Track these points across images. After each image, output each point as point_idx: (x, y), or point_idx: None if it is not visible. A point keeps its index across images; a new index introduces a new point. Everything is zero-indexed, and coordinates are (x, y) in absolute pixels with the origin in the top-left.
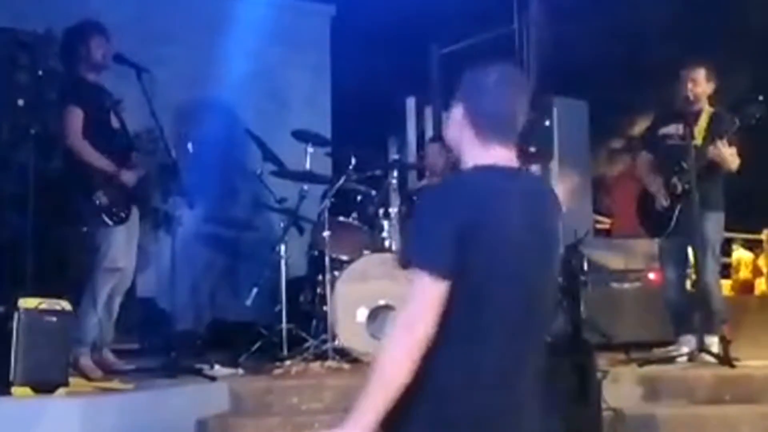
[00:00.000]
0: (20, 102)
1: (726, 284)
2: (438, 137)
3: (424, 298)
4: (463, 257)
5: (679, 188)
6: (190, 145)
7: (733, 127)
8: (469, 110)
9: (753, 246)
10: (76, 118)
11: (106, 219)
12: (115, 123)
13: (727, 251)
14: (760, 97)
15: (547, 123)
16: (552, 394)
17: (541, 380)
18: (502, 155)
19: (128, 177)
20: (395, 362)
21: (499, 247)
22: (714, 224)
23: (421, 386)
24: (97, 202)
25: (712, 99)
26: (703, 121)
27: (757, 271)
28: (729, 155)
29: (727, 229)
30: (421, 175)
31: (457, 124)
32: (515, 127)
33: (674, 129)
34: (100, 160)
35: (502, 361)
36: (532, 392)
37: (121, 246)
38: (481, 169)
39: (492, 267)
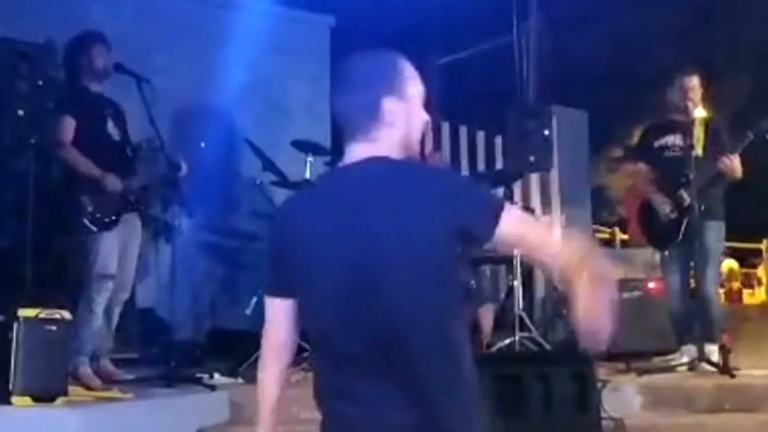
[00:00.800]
0: (20, 111)
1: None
2: (436, 151)
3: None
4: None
5: (687, 200)
6: (202, 144)
7: (746, 140)
8: None
9: (746, 256)
10: (67, 126)
11: (90, 225)
12: (114, 133)
13: None
14: None
15: (547, 132)
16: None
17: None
18: (354, 151)
19: (112, 182)
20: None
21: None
22: (715, 233)
23: None
24: (82, 207)
25: (705, 106)
26: (699, 131)
27: (746, 281)
28: (738, 167)
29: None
30: None
31: None
32: (352, 118)
33: (671, 140)
34: (85, 166)
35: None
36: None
37: (112, 252)
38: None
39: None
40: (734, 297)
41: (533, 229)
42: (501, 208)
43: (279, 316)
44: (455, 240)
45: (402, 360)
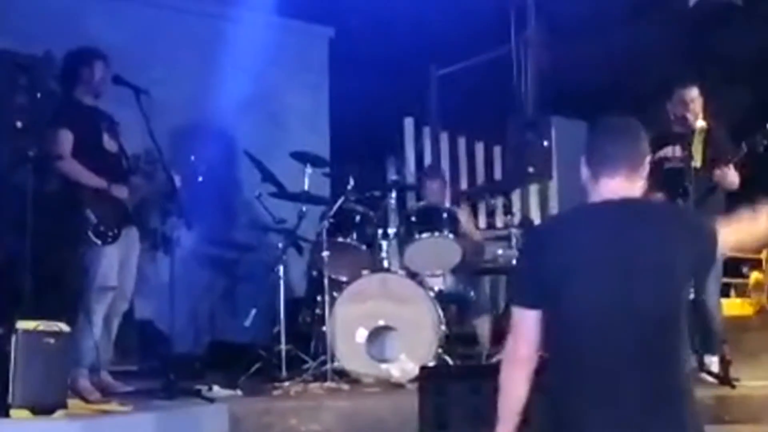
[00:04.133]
0: (19, 124)
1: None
2: (437, 174)
3: None
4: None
5: None
6: (192, 158)
7: (740, 153)
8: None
9: (745, 266)
10: (65, 139)
11: (94, 238)
12: (110, 145)
13: (740, 272)
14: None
15: (546, 143)
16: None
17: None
18: (611, 187)
19: (119, 191)
20: None
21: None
22: None
23: None
24: (85, 220)
25: (704, 117)
26: (698, 142)
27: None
28: (734, 179)
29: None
30: (419, 197)
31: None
32: (618, 161)
33: (671, 151)
34: (89, 177)
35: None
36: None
37: (113, 265)
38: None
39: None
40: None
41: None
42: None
43: (530, 327)
44: (693, 267)
45: (652, 375)
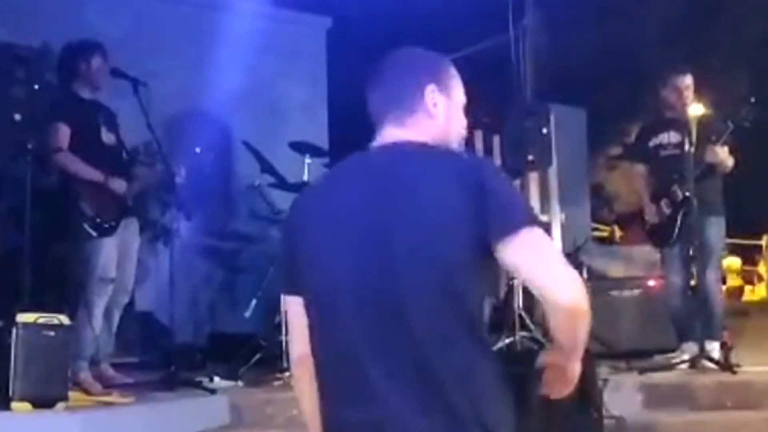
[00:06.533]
0: (17, 116)
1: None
2: None
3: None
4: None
5: (680, 195)
6: (198, 150)
7: (727, 130)
8: None
9: (748, 252)
10: (62, 133)
11: (91, 230)
12: (108, 138)
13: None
14: (752, 99)
15: (545, 131)
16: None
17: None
18: (382, 136)
19: (117, 184)
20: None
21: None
22: (716, 229)
23: None
24: (82, 213)
25: (700, 103)
26: (693, 127)
27: (750, 277)
28: (725, 157)
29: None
30: None
31: None
32: (387, 104)
33: (666, 138)
34: (86, 170)
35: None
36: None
37: (112, 257)
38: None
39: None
40: (735, 294)
41: (545, 264)
42: (526, 223)
43: (294, 316)
44: (474, 242)
45: (410, 350)
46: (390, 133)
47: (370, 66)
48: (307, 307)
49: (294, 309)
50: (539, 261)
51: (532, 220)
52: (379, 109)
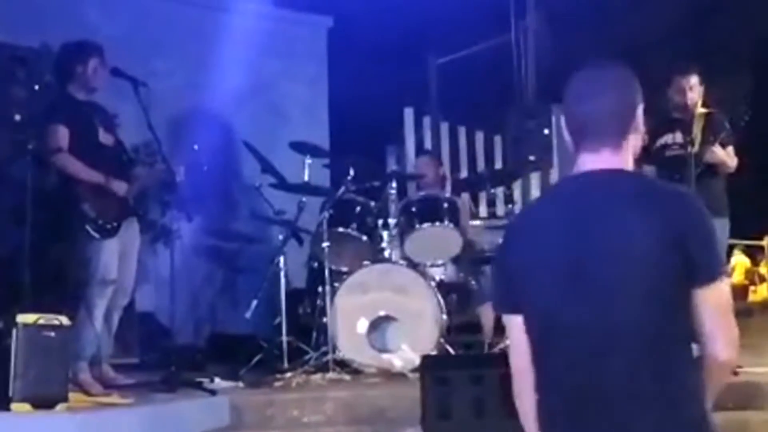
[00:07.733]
0: (17, 117)
1: None
2: (427, 150)
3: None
4: None
5: None
6: (195, 147)
7: (725, 130)
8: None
9: (754, 252)
10: (60, 134)
11: (92, 232)
12: (106, 139)
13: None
14: (748, 99)
15: (547, 131)
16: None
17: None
18: (590, 161)
19: (118, 186)
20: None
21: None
22: (719, 230)
23: None
24: (83, 215)
25: (705, 103)
26: (698, 127)
27: (753, 277)
28: (726, 156)
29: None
30: (419, 186)
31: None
32: (599, 128)
33: (671, 138)
34: (86, 172)
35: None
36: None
37: (113, 258)
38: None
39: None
40: (740, 294)
41: (720, 319)
42: (723, 273)
43: (516, 333)
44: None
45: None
46: (604, 158)
47: (573, 74)
48: (529, 327)
49: (515, 327)
50: (719, 315)
51: (725, 271)
52: (594, 127)
